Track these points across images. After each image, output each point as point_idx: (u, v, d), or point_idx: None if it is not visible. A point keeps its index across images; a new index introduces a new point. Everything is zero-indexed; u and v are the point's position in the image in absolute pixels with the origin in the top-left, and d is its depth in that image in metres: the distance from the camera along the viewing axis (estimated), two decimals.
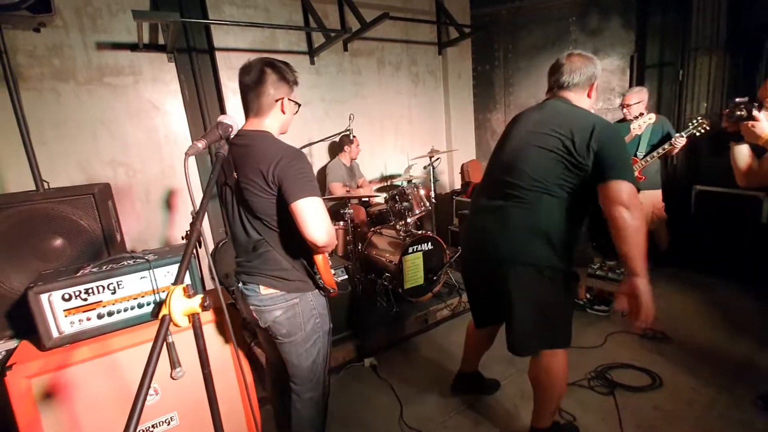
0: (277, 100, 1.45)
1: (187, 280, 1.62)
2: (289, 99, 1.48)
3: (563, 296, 1.69)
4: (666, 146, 3.07)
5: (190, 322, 0.76)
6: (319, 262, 1.48)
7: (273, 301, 1.46)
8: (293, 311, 1.48)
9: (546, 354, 1.72)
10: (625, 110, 3.28)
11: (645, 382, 2.19)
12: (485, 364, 2.51)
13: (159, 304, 0.68)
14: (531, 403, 2.07)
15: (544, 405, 1.80)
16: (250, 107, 1.47)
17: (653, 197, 3.46)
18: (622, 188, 1.44)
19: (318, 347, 1.58)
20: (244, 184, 1.39)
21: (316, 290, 1.55)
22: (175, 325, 0.73)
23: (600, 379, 2.23)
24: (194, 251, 0.82)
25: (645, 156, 3.25)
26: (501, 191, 1.68)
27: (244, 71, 1.43)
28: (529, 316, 1.66)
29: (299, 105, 1.56)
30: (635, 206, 1.44)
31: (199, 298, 0.75)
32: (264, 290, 1.45)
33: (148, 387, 0.57)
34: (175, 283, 0.74)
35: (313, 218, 1.28)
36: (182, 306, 0.73)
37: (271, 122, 1.47)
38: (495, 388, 2.31)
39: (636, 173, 3.25)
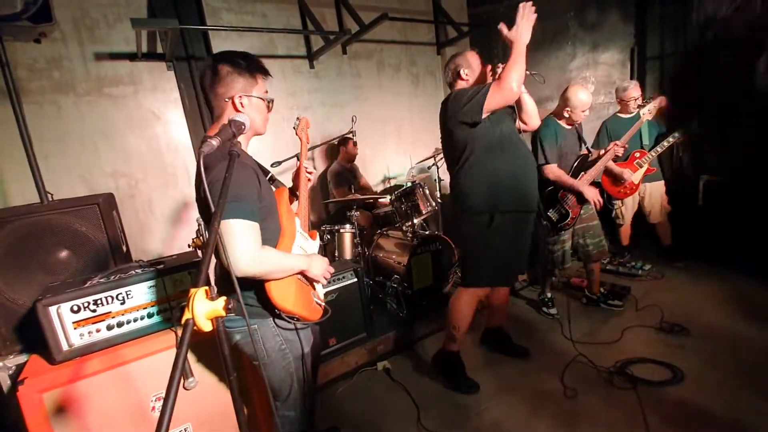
0: (227, 99, 1.28)
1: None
2: (246, 95, 1.29)
3: (480, 236, 2.07)
4: (665, 143, 3.09)
5: (213, 326, 0.73)
6: (271, 289, 1.24)
7: (232, 325, 1.31)
8: (253, 337, 1.33)
9: (459, 290, 2.24)
10: (630, 104, 3.26)
11: (666, 376, 2.14)
12: (500, 362, 2.48)
13: (181, 309, 0.64)
14: (551, 403, 2.05)
15: (446, 328, 2.30)
16: (211, 112, 1.35)
17: (661, 188, 3.45)
18: (494, 92, 1.89)
19: (290, 371, 1.43)
20: (197, 199, 1.30)
21: (277, 319, 1.37)
22: (199, 329, 0.69)
23: (620, 374, 2.19)
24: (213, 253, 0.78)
25: (652, 148, 3.22)
26: (449, 172, 2.24)
27: (200, 75, 1.32)
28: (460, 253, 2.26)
29: (271, 100, 1.39)
30: (504, 82, 1.85)
31: (222, 300, 0.72)
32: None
33: (175, 396, 0.53)
34: (196, 286, 0.70)
35: (228, 244, 1.09)
36: (205, 309, 0.69)
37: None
38: (522, 354, 2.51)
39: (646, 166, 3.24)
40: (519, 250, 2.19)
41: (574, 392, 2.11)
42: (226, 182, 0.89)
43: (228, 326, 1.32)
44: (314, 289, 1.53)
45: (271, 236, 1.31)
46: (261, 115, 1.36)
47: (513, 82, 1.82)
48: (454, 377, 2.30)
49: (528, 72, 2.03)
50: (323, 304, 1.54)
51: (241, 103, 1.30)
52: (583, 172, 2.73)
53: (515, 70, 1.83)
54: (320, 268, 1.41)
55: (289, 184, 1.68)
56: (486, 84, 1.93)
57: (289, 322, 1.36)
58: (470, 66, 2.11)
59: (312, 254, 1.46)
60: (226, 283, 1.26)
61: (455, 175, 2.14)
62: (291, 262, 1.30)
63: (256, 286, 1.29)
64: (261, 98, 1.35)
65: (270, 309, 1.31)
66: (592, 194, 2.63)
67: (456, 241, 2.27)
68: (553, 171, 2.66)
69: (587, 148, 2.82)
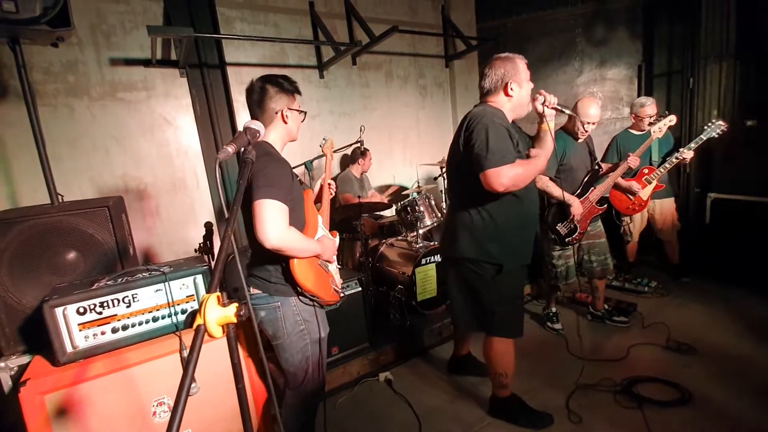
0: (277, 112, 1.56)
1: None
2: (289, 108, 1.58)
3: (494, 288, 1.88)
4: (674, 159, 3.05)
5: (224, 332, 0.73)
6: (294, 268, 1.45)
7: (257, 302, 1.53)
8: (275, 314, 1.53)
9: (491, 338, 1.99)
10: (645, 121, 3.23)
11: (673, 396, 2.10)
12: None
13: (192, 314, 0.65)
14: (559, 416, 2.08)
15: (491, 377, 2.08)
16: (255, 119, 1.56)
17: (671, 206, 3.43)
18: (494, 177, 1.62)
19: (306, 355, 1.59)
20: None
21: (298, 297, 1.55)
22: (210, 335, 0.69)
23: (626, 393, 2.15)
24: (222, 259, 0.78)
25: (660, 165, 3.21)
26: (450, 198, 2.03)
27: (249, 92, 1.58)
28: (467, 304, 2.01)
29: (304, 112, 1.66)
30: (509, 180, 1.63)
31: (234, 306, 0.72)
32: (252, 290, 1.55)
33: (185, 402, 0.53)
34: (209, 291, 0.70)
35: (263, 219, 1.30)
36: (217, 315, 0.69)
37: (274, 134, 1.58)
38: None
39: (654, 182, 3.21)
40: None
41: (579, 412, 2.08)
42: (240, 188, 0.91)
43: (254, 303, 1.52)
44: (332, 277, 1.72)
45: (296, 225, 1.49)
46: (297, 124, 1.64)
47: (513, 181, 1.63)
48: (523, 418, 2.04)
49: (566, 110, 1.88)
50: (340, 291, 1.75)
51: (287, 115, 1.57)
52: (592, 187, 2.71)
53: (525, 175, 1.68)
54: (330, 250, 1.67)
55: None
56: (503, 151, 1.65)
57: (310, 300, 1.56)
58: (520, 81, 1.80)
59: (321, 238, 1.63)
60: (255, 261, 1.54)
61: (466, 212, 1.85)
62: (309, 244, 1.50)
63: (282, 264, 1.50)
64: (298, 111, 1.63)
65: (293, 286, 1.51)
66: (577, 210, 2.59)
67: (462, 288, 2.03)
68: (543, 180, 2.61)
69: (597, 163, 2.79)
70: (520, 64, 1.81)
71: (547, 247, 2.83)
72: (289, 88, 1.59)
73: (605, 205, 2.78)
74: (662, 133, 2.76)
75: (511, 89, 1.79)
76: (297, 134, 1.68)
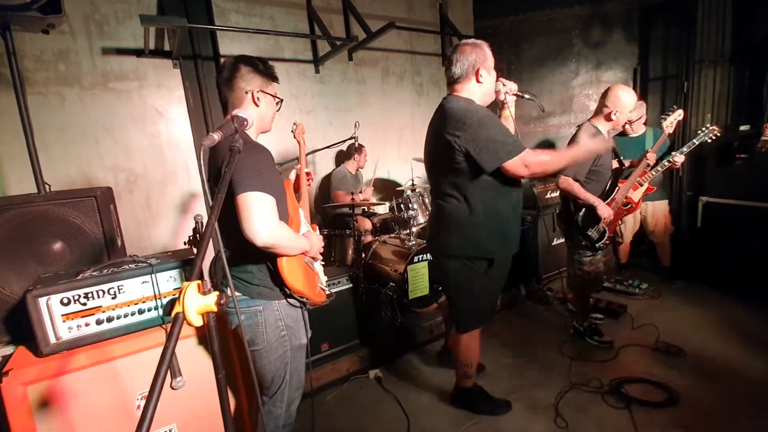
0: (247, 92, 1.43)
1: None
2: (263, 91, 1.46)
3: (478, 281, 1.88)
4: (665, 163, 3.03)
5: (204, 321, 0.71)
6: (283, 268, 1.34)
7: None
8: (255, 319, 1.39)
9: (458, 335, 2.01)
10: (626, 126, 3.26)
11: (661, 397, 2.11)
12: (494, 374, 2.45)
13: (172, 302, 0.63)
14: (543, 417, 2.07)
15: (457, 368, 2.13)
16: (226, 104, 1.48)
17: (664, 208, 3.44)
18: (517, 166, 1.65)
19: (285, 362, 1.45)
20: (214, 183, 1.38)
21: (285, 300, 1.44)
22: (189, 324, 0.67)
23: (614, 393, 2.16)
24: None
25: (652, 168, 3.22)
26: (433, 192, 1.96)
27: (219, 71, 1.48)
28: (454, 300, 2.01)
29: (280, 100, 1.55)
30: (533, 166, 1.66)
31: (214, 295, 0.70)
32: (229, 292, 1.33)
33: (160, 390, 0.52)
34: (189, 279, 0.69)
35: (252, 213, 1.19)
36: (197, 303, 0.68)
37: None
38: (479, 370, 2.39)
39: (646, 184, 3.21)
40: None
41: (567, 412, 2.08)
42: (225, 176, 0.89)
43: (230, 306, 1.37)
44: (318, 275, 1.64)
45: (281, 219, 1.38)
46: (271, 111, 1.53)
47: (540, 167, 1.68)
48: (483, 406, 2.13)
49: (526, 95, 1.94)
50: (326, 289, 1.66)
51: (258, 97, 1.45)
52: (617, 188, 2.57)
53: (564, 162, 1.74)
54: (317, 246, 1.58)
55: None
56: (511, 139, 1.67)
57: (298, 301, 1.46)
58: (489, 68, 1.79)
59: (306, 234, 1.54)
60: (235, 261, 1.37)
61: (455, 208, 1.82)
62: (299, 241, 1.40)
63: (269, 265, 1.39)
64: (273, 96, 1.52)
65: (280, 287, 1.40)
66: (607, 212, 2.44)
67: (446, 284, 2.05)
68: (567, 181, 2.44)
69: (619, 160, 2.64)
70: (488, 50, 1.80)
71: (573, 254, 2.64)
72: (264, 70, 1.47)
73: (629, 206, 2.66)
74: (673, 128, 2.63)
75: (482, 75, 1.78)
76: (270, 124, 1.55)
